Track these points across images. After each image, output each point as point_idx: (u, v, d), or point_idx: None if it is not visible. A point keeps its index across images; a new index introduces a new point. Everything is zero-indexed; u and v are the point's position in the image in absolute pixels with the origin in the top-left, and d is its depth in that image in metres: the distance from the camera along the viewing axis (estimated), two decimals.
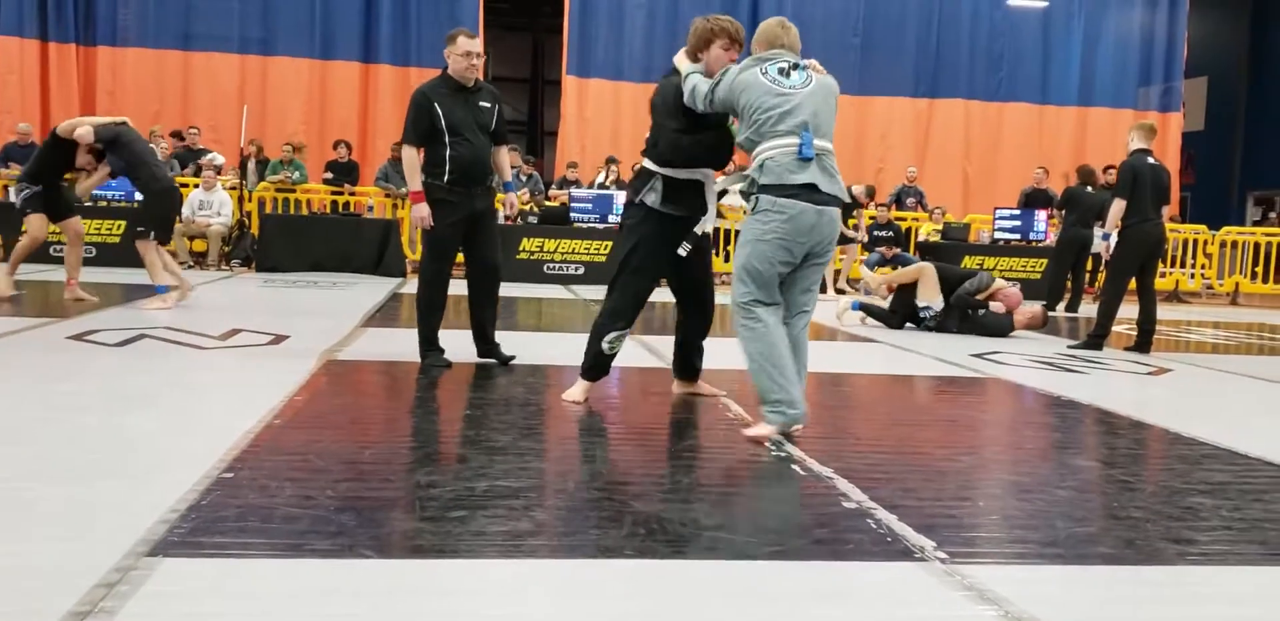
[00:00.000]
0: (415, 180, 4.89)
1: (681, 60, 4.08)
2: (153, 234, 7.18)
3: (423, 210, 4.88)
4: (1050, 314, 10.56)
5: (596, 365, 4.29)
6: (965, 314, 7.84)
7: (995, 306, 7.88)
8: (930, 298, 7.92)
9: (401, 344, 5.97)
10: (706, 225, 4.20)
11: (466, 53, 4.86)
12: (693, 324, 4.42)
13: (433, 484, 2.86)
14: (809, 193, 3.62)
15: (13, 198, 7.58)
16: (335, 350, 5.44)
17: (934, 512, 2.89)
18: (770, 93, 3.66)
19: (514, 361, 5.19)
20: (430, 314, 5.11)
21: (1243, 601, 2.26)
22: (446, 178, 4.89)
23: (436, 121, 4.85)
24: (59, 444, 3.22)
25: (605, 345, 4.24)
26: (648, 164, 4.14)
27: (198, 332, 5.88)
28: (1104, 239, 7.19)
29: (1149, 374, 6.12)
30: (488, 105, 5.03)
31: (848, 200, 3.65)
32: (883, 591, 2.21)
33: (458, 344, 5.19)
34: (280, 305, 8.02)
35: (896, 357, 6.25)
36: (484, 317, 5.20)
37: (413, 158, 4.90)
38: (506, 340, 5.30)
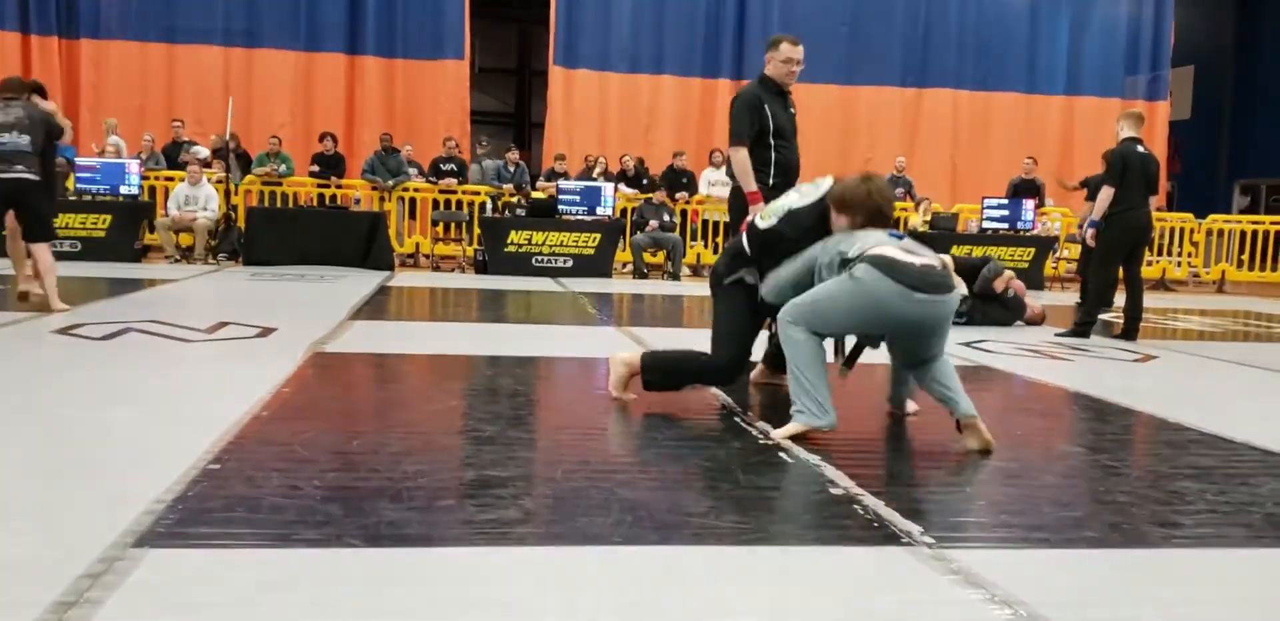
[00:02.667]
0: (751, 180, 4.71)
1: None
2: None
3: None
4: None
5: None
6: (988, 299, 7.78)
7: (1016, 288, 7.91)
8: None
9: (390, 337, 5.97)
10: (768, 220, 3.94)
11: (788, 59, 4.79)
12: None
13: (420, 473, 2.85)
14: (904, 273, 3.36)
15: None
16: (323, 343, 5.42)
17: (921, 498, 2.90)
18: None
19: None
20: None
21: (1228, 583, 2.27)
22: (771, 181, 4.74)
23: (766, 123, 4.73)
24: (44, 436, 3.20)
25: None
26: (745, 246, 3.92)
27: (184, 326, 5.85)
28: (1091, 226, 7.21)
29: (1136, 361, 6.15)
30: (793, 112, 4.94)
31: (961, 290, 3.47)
32: (870, 576, 2.21)
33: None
34: (267, 298, 7.99)
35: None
36: None
37: (746, 158, 4.72)
38: (500, 333, 5.28)
